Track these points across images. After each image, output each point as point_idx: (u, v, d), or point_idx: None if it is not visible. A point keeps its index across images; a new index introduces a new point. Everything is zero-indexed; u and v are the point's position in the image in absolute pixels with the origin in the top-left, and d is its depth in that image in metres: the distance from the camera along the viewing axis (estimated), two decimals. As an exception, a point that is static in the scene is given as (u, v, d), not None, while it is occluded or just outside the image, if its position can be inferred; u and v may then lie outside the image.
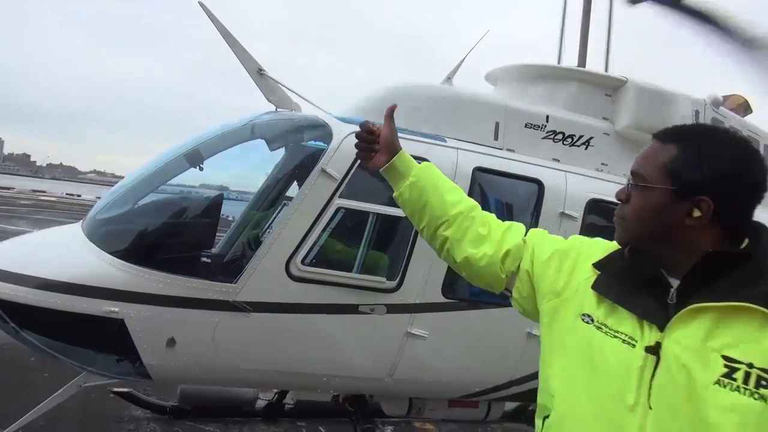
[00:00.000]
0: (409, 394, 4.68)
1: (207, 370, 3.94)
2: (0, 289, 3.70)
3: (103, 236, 3.92)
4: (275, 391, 6.45)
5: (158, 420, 6.07)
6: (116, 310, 3.63)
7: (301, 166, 4.17)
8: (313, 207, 3.89)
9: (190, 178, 4.38)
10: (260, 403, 6.49)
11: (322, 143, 4.03)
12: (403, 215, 3.97)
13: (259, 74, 4.45)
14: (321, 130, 4.09)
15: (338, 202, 3.94)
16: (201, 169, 4.60)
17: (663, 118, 5.16)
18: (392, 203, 4.06)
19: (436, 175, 2.13)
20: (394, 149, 2.13)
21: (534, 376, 4.56)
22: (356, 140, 2.20)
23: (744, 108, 5.99)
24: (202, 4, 4.39)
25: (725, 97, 5.85)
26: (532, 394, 4.58)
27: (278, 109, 4.59)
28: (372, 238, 4.15)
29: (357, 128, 4.00)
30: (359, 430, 4.36)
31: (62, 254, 3.86)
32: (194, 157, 4.47)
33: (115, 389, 6.30)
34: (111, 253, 3.74)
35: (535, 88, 5.34)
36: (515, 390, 4.65)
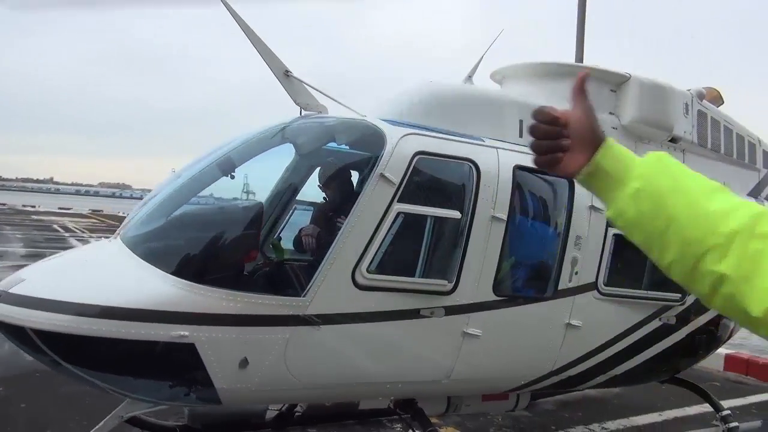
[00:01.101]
0: (462, 393, 4.74)
1: (277, 388, 3.79)
2: (44, 319, 3.39)
3: (161, 254, 3.66)
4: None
5: (167, 443, 5.73)
6: (186, 334, 3.41)
7: (355, 171, 4.07)
8: (374, 213, 3.82)
9: (236, 188, 4.18)
10: (270, 414, 6.33)
11: (376, 147, 3.95)
12: (458, 215, 4.07)
13: (285, 76, 4.31)
14: (373, 134, 4.01)
15: (397, 207, 3.89)
16: (233, 177, 4.40)
17: (662, 112, 5.50)
18: (445, 203, 4.10)
19: (677, 170, 1.37)
20: (595, 139, 1.44)
21: (571, 365, 4.76)
22: (532, 136, 1.47)
23: (717, 100, 6.46)
24: (225, 3, 4.19)
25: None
26: (569, 382, 4.76)
27: (304, 112, 4.46)
28: (431, 240, 4.13)
29: (407, 131, 4.01)
30: (423, 434, 4.35)
31: (116, 276, 3.56)
32: (231, 166, 4.27)
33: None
34: (173, 273, 3.50)
35: (543, 85, 5.49)
36: (555, 379, 4.81)
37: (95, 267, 3.73)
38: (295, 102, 4.42)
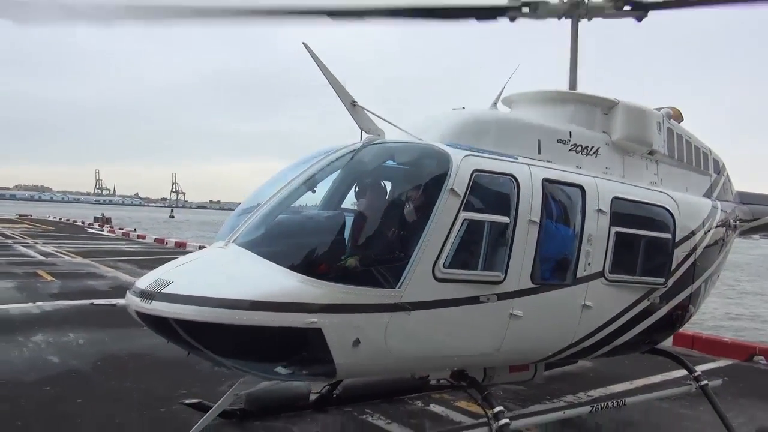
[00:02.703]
0: (506, 363, 5.74)
1: (378, 362, 4.65)
2: (203, 312, 4.08)
3: (288, 255, 4.39)
4: (326, 384, 7.16)
5: (230, 425, 6.44)
6: (316, 320, 4.22)
7: (428, 186, 4.94)
8: (447, 221, 4.73)
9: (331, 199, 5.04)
10: (312, 397, 7.15)
11: (445, 167, 4.86)
12: (507, 220, 5.03)
13: (352, 106, 5.14)
14: (441, 156, 4.93)
15: (463, 214, 4.82)
16: (314, 192, 5.24)
17: (643, 130, 6.72)
18: (496, 211, 5.07)
19: None
20: None
21: (585, 338, 5.84)
22: None
23: (678, 117, 7.77)
24: (305, 45, 4.99)
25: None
26: (582, 353, 5.86)
27: (366, 135, 5.32)
28: (488, 240, 5.09)
29: (465, 152, 4.95)
30: (481, 398, 5.29)
31: (252, 274, 4.29)
32: (314, 183, 5.10)
33: (186, 401, 6.59)
34: (300, 271, 4.28)
35: (548, 109, 6.58)
36: (573, 350, 5.90)
37: (231, 268, 4.43)
38: (360, 127, 5.27)
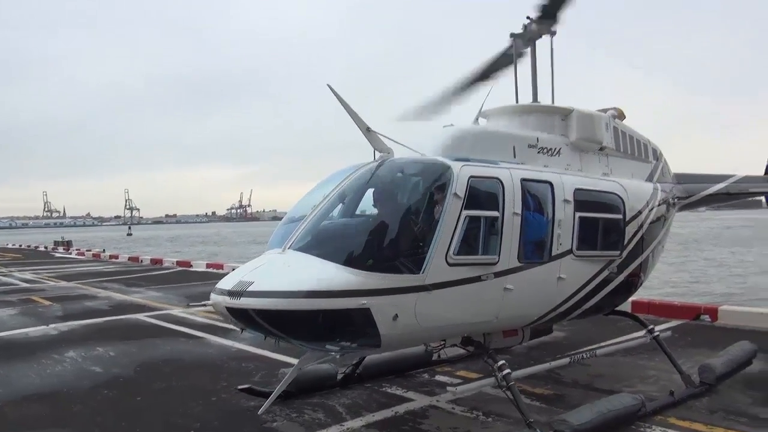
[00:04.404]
0: (502, 328, 7.13)
1: (411, 333, 5.95)
2: (285, 303, 5.31)
3: (339, 254, 5.62)
4: (352, 363, 8.44)
5: (277, 403, 7.59)
6: (365, 302, 5.50)
7: (437, 193, 6.26)
8: (452, 218, 6.07)
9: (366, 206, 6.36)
10: (339, 376, 8.42)
11: (449, 176, 6.20)
12: (497, 214, 6.43)
13: (367, 131, 6.46)
14: (444, 167, 6.27)
15: (465, 212, 6.17)
16: (344, 203, 6.54)
17: (594, 131, 8.24)
18: (488, 207, 6.45)
19: None
20: None
21: (561, 304, 7.31)
22: None
23: (621, 116, 9.33)
24: (330, 87, 6.24)
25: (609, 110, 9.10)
26: (559, 317, 7.42)
27: (378, 154, 6.63)
28: (484, 231, 6.46)
29: (462, 163, 6.33)
30: (487, 355, 6.64)
31: (313, 271, 5.51)
32: (346, 194, 6.39)
33: (240, 387, 7.79)
34: (350, 265, 5.54)
35: (518, 120, 8.05)
36: (553, 314, 7.35)
37: (296, 267, 5.63)
38: (374, 148, 6.58)
